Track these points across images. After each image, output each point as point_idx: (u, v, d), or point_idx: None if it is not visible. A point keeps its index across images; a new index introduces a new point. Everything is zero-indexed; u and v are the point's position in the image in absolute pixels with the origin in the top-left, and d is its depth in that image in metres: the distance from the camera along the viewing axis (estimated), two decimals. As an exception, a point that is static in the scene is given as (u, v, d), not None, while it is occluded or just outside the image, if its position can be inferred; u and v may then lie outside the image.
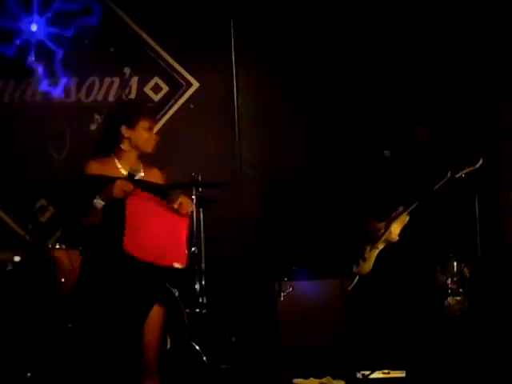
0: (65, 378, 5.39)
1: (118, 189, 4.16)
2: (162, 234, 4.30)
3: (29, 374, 5.61)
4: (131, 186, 4.19)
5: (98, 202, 4.17)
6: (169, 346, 5.78)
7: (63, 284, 5.85)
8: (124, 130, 4.37)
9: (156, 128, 7.06)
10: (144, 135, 4.42)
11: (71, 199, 4.40)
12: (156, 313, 4.29)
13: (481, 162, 5.36)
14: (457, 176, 5.40)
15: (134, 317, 4.22)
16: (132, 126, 4.38)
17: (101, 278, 4.24)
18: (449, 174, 5.41)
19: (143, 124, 4.42)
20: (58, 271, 5.87)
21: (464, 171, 5.39)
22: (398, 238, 5.58)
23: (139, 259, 4.19)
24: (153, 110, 4.67)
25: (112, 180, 4.21)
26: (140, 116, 4.41)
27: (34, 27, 6.92)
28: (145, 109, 4.62)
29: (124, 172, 4.33)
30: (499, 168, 6.74)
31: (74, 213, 4.36)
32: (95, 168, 4.30)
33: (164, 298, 4.39)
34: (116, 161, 4.35)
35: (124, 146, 4.38)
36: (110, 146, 4.38)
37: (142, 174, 4.35)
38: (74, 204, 4.34)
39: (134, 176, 4.29)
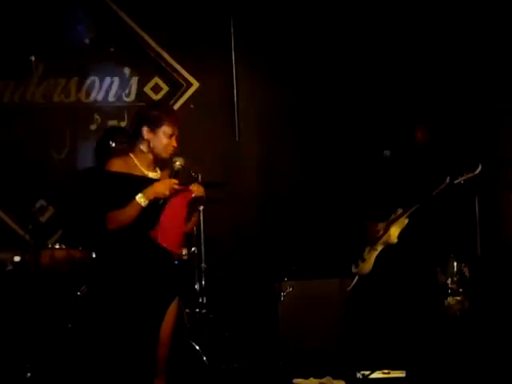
0: (65, 378, 5.39)
1: (169, 188, 4.21)
2: (178, 223, 4.36)
3: (29, 374, 5.61)
4: (177, 184, 4.29)
5: (143, 201, 4.20)
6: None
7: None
8: (145, 131, 4.39)
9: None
10: (163, 141, 4.45)
11: (97, 197, 4.42)
12: (172, 309, 4.31)
13: (480, 168, 5.36)
14: (455, 182, 5.41)
15: (155, 313, 4.24)
16: (154, 129, 4.40)
17: (124, 276, 4.25)
18: (447, 180, 5.42)
19: (165, 129, 4.45)
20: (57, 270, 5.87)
21: (463, 178, 5.40)
22: (396, 240, 5.59)
23: (169, 249, 4.25)
24: (178, 117, 4.64)
25: (144, 180, 4.25)
26: (163, 121, 4.42)
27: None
28: (170, 115, 4.60)
29: (144, 171, 4.36)
30: (499, 168, 6.74)
31: (95, 211, 4.40)
32: (119, 166, 4.32)
33: (181, 294, 4.42)
34: (135, 160, 4.36)
35: (143, 146, 4.40)
36: (130, 145, 4.40)
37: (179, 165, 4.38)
38: (101, 202, 4.35)
39: (177, 173, 4.32)
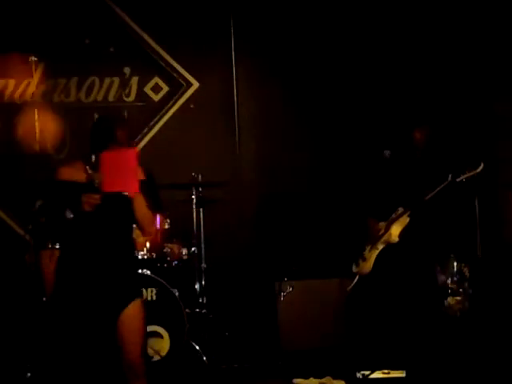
0: (65, 378, 5.38)
1: (86, 205, 4.15)
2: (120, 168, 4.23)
3: (29, 374, 5.61)
4: (97, 197, 4.13)
5: (69, 215, 4.18)
6: (168, 346, 5.79)
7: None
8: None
9: (156, 128, 7.22)
10: None
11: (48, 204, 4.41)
12: (131, 312, 4.23)
13: (482, 166, 5.35)
14: (457, 180, 5.40)
15: (104, 319, 4.18)
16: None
17: (71, 276, 4.22)
18: (449, 178, 5.41)
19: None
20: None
21: (465, 176, 5.38)
22: (397, 239, 5.58)
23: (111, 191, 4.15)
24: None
25: (72, 185, 4.19)
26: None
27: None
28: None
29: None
30: (499, 168, 6.74)
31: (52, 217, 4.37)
32: (66, 174, 4.28)
33: (137, 298, 4.30)
34: (85, 166, 4.29)
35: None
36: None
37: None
38: (50, 209, 4.34)
39: (92, 182, 4.21)
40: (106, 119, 4.45)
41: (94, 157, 4.24)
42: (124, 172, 4.16)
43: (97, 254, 4.24)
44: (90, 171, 4.22)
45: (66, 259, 4.30)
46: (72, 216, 4.18)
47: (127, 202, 4.23)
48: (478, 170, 5.37)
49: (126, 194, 4.21)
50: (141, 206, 4.26)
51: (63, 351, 4.28)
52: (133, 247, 4.49)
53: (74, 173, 4.26)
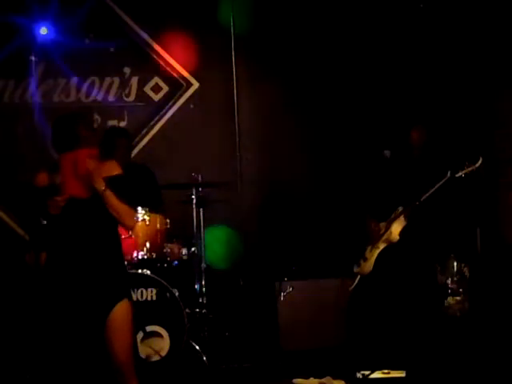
0: (65, 379, 5.38)
1: (52, 208, 4.14)
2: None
3: (29, 376, 5.61)
4: (59, 199, 4.13)
5: (42, 221, 4.18)
6: (168, 346, 5.78)
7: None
8: None
9: (156, 128, 7.22)
10: None
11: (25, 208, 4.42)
12: (117, 314, 4.20)
13: (480, 161, 5.35)
14: (456, 176, 5.40)
15: (91, 320, 4.16)
16: None
17: (54, 281, 4.21)
18: (448, 174, 5.40)
19: None
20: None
21: (464, 171, 5.38)
22: (398, 238, 5.58)
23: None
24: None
25: (34, 191, 4.19)
26: None
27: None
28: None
29: None
30: (499, 168, 6.75)
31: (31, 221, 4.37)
32: (41, 180, 4.27)
33: (126, 298, 4.28)
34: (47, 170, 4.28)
35: None
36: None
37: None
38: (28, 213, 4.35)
39: (53, 186, 4.21)
40: (66, 118, 4.36)
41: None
42: (81, 173, 4.15)
43: (77, 257, 4.19)
44: (49, 174, 4.21)
45: (50, 264, 4.27)
46: (44, 222, 4.18)
47: (98, 200, 4.19)
48: (477, 164, 5.36)
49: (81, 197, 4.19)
50: (111, 202, 4.18)
51: (54, 354, 4.27)
52: (117, 246, 4.36)
53: (49, 177, 4.24)
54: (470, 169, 5.38)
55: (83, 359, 4.18)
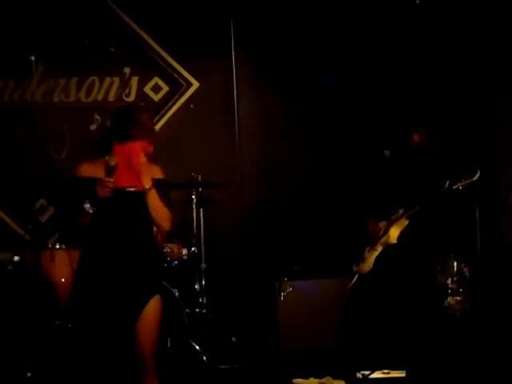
0: (65, 378, 5.39)
1: (100, 190, 4.17)
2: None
3: (29, 374, 5.61)
4: (111, 180, 4.18)
5: (88, 207, 4.19)
6: (169, 346, 5.78)
7: (62, 284, 5.86)
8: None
9: (156, 128, 7.22)
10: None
11: (66, 201, 4.43)
12: (150, 309, 4.27)
13: (478, 174, 5.37)
14: (454, 187, 5.42)
15: (126, 315, 4.21)
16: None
17: (93, 276, 4.25)
18: (447, 185, 5.43)
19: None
20: (57, 271, 5.88)
21: (461, 184, 5.40)
22: (396, 241, 5.59)
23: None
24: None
25: (93, 181, 4.21)
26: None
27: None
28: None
29: None
30: (499, 168, 6.75)
31: (69, 214, 4.38)
32: (86, 171, 4.30)
33: (159, 294, 4.34)
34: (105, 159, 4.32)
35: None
36: (104, 148, 4.37)
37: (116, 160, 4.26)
38: (68, 206, 4.37)
39: (110, 166, 4.23)
40: (132, 108, 4.55)
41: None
42: (134, 166, 4.23)
43: (118, 251, 4.26)
44: (107, 158, 4.25)
45: (88, 258, 4.32)
46: (91, 210, 4.19)
47: (142, 198, 4.26)
48: (475, 178, 5.39)
49: (133, 189, 4.24)
50: (154, 202, 4.28)
51: (83, 350, 4.31)
52: (154, 243, 4.49)
53: (94, 169, 4.28)
54: (467, 182, 5.40)
55: (110, 352, 4.22)
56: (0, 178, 6.89)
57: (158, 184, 4.32)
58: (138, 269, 4.28)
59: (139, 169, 4.24)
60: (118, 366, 4.29)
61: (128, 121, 4.33)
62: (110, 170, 4.21)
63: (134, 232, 4.32)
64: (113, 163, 4.21)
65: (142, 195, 4.27)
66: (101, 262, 4.27)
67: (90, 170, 4.31)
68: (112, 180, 4.19)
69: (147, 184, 4.25)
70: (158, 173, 4.41)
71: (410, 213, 5.55)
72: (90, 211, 4.18)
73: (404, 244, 5.59)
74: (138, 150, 4.26)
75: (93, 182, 4.22)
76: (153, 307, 4.28)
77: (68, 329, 5.55)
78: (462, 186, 5.40)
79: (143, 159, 4.26)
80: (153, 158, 4.44)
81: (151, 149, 4.40)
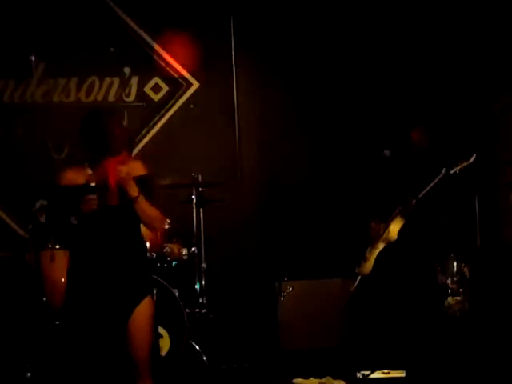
0: (65, 378, 5.39)
1: (85, 207, 4.13)
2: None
3: (29, 374, 5.61)
4: (93, 197, 4.11)
5: (73, 221, 4.17)
6: (168, 346, 5.78)
7: (62, 284, 5.85)
8: None
9: (156, 128, 7.23)
10: None
11: (50, 207, 4.41)
12: (142, 311, 4.23)
13: (474, 157, 5.37)
14: (451, 172, 5.41)
15: (116, 318, 4.18)
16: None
17: (82, 279, 4.22)
18: (443, 171, 5.42)
19: None
20: (57, 271, 5.87)
21: (458, 167, 5.40)
22: (396, 237, 5.59)
23: None
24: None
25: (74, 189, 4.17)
26: None
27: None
28: None
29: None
30: (499, 168, 6.75)
31: (58, 218, 4.36)
32: (67, 178, 4.25)
33: (150, 295, 4.30)
34: (88, 170, 4.26)
35: None
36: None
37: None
38: (53, 212, 4.34)
39: (89, 184, 4.18)
40: (97, 114, 4.36)
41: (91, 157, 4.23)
42: (114, 184, 4.15)
43: (105, 255, 4.21)
44: (89, 173, 4.19)
45: (76, 262, 4.29)
46: (75, 222, 4.17)
47: (129, 202, 4.20)
48: (471, 160, 5.38)
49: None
50: (143, 209, 4.21)
51: (75, 352, 4.27)
52: (142, 245, 4.42)
53: (76, 177, 4.23)
54: (463, 164, 5.40)
55: (103, 356, 4.19)
56: (0, 178, 6.89)
57: (142, 181, 4.22)
58: (128, 272, 4.22)
59: (120, 184, 4.15)
60: (113, 367, 4.26)
61: (95, 134, 4.24)
62: (91, 189, 4.13)
63: (122, 236, 4.24)
64: (92, 184, 4.14)
65: (128, 203, 4.20)
66: (90, 265, 4.21)
67: (72, 177, 4.23)
68: (95, 197, 4.12)
69: (134, 192, 4.16)
70: (139, 169, 4.29)
71: (407, 208, 5.54)
72: (74, 222, 4.16)
73: (404, 241, 5.58)
74: (113, 169, 4.15)
75: (74, 190, 4.17)
76: (143, 308, 4.21)
77: (66, 329, 5.55)
78: (459, 170, 5.40)
79: (122, 172, 4.16)
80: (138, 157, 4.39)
81: (129, 157, 4.31)
